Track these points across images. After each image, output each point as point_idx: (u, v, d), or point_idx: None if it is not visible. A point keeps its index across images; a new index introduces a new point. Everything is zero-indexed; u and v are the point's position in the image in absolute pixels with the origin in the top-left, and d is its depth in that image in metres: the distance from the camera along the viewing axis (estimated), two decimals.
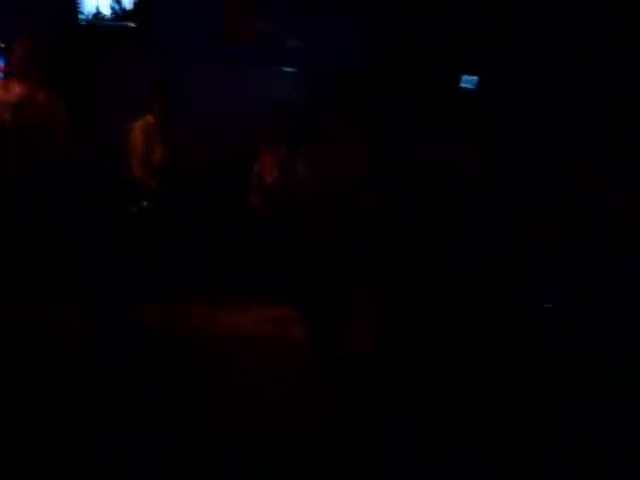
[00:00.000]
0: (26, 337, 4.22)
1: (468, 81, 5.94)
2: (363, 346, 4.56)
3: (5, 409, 3.28)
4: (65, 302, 4.94)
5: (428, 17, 6.03)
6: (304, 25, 6.85)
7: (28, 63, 4.77)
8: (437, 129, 5.62)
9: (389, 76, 6.26)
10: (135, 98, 5.78)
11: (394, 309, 4.79)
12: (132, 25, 6.59)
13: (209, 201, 5.91)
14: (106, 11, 6.62)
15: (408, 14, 6.18)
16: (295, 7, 6.67)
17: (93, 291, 5.16)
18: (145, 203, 5.60)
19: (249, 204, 5.90)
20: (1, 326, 4.14)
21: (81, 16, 6.60)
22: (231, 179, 5.98)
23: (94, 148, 5.93)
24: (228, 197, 5.93)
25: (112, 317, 4.83)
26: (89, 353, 4.24)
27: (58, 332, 4.45)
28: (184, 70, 6.36)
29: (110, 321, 4.78)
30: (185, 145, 5.68)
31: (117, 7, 6.61)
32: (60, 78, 5.93)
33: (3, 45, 6.33)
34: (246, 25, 6.86)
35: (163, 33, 6.62)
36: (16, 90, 4.75)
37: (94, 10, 6.59)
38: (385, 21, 6.31)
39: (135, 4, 6.59)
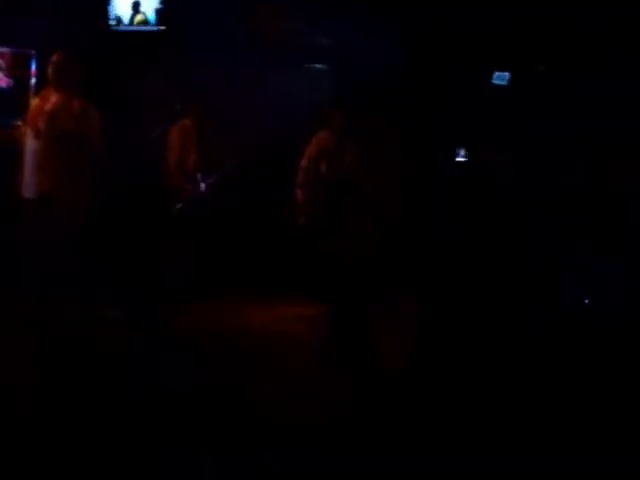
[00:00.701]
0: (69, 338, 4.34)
1: (500, 77, 5.93)
2: (394, 355, 4.55)
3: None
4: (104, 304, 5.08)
5: (460, 13, 6.04)
6: (338, 24, 6.83)
7: (63, 73, 4.81)
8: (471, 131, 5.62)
9: (422, 76, 6.29)
10: (170, 102, 5.86)
11: (426, 316, 4.75)
12: (163, 29, 6.69)
13: (245, 201, 5.95)
14: (136, 16, 6.74)
15: (440, 11, 6.17)
16: (328, 5, 6.71)
17: (132, 292, 5.29)
18: (179, 205, 5.68)
19: (294, 200, 5.62)
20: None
21: (111, 22, 6.72)
22: (268, 178, 6.02)
23: (130, 154, 6.03)
24: (265, 197, 5.96)
25: (149, 316, 4.93)
26: (128, 352, 4.36)
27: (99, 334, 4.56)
28: (217, 72, 6.38)
29: (147, 320, 4.87)
30: (222, 147, 5.76)
31: (147, 11, 6.73)
32: (93, 86, 6.11)
33: (34, 52, 6.53)
34: (278, 24, 6.91)
35: (194, 36, 6.70)
36: (52, 99, 4.79)
37: (124, 15, 6.72)
38: (418, 20, 6.31)
39: (165, 7, 6.69)
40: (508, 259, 4.40)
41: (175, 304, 5.19)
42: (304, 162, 5.53)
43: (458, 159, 5.99)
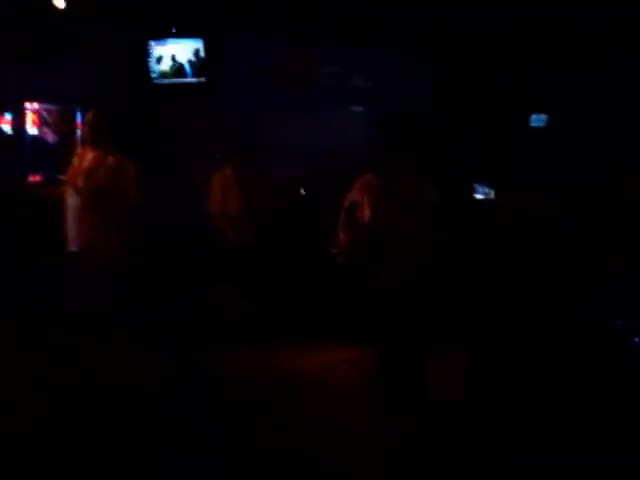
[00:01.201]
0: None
1: (537, 120, 5.98)
2: (444, 392, 4.56)
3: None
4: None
5: (496, 57, 6.11)
6: (371, 65, 6.97)
7: (96, 132, 4.93)
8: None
9: (457, 116, 6.37)
10: (211, 151, 6.01)
11: (476, 354, 4.75)
12: (202, 80, 6.90)
13: (288, 244, 6.00)
14: (175, 69, 6.96)
15: (476, 54, 6.25)
16: (360, 47, 6.83)
17: (172, 331, 5.37)
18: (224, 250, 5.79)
19: (335, 243, 5.90)
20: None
21: (153, 75, 6.94)
22: (310, 220, 6.09)
23: (174, 202, 6.17)
24: (308, 239, 5.99)
25: (188, 357, 5.00)
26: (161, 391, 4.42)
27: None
28: (255, 119, 6.54)
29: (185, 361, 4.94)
30: (263, 192, 5.81)
31: (185, 64, 6.94)
32: (135, 139, 6.30)
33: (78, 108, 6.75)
34: (311, 67, 7.09)
35: (232, 84, 6.88)
36: (88, 157, 4.93)
37: (164, 69, 6.94)
38: (454, 60, 6.39)
39: (202, 59, 6.90)
40: (557, 306, 4.39)
41: (220, 348, 5.25)
42: (347, 204, 5.61)
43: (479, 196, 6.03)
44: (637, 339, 4.08)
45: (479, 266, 4.95)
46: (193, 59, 6.94)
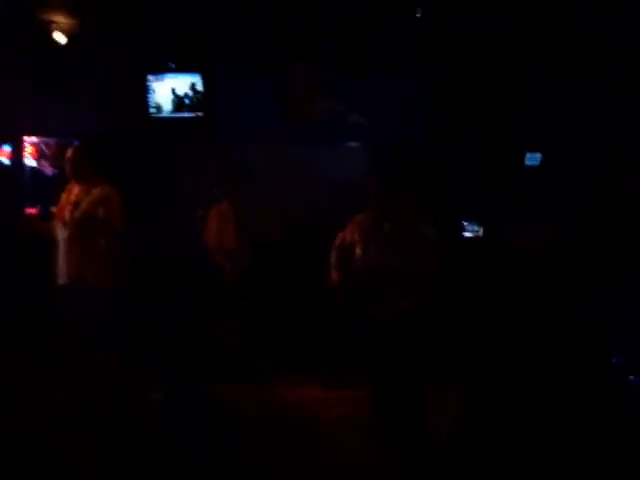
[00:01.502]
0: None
1: (532, 158, 6.04)
2: (439, 427, 4.55)
3: None
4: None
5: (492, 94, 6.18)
6: (367, 100, 7.02)
7: (79, 167, 5.05)
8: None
9: (452, 152, 6.41)
10: (208, 185, 6.02)
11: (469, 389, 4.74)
12: (199, 114, 6.95)
13: (284, 280, 6.00)
14: (173, 103, 7.00)
15: (470, 91, 6.31)
16: (357, 82, 6.91)
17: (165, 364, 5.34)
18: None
19: (328, 281, 5.63)
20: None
21: (151, 110, 6.99)
22: (306, 257, 6.08)
23: (170, 236, 6.19)
24: (303, 275, 6.00)
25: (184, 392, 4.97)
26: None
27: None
28: (253, 153, 6.57)
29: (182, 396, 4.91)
30: (260, 227, 5.80)
31: (183, 98, 7.00)
32: (131, 173, 6.32)
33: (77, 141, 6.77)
34: (311, 102, 7.11)
35: (230, 118, 6.94)
36: (74, 191, 5.05)
37: (163, 103, 6.99)
38: (448, 97, 6.45)
39: (200, 93, 6.95)
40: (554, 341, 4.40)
41: (218, 383, 5.22)
42: (339, 243, 5.62)
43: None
44: (632, 377, 4.08)
45: (473, 302, 4.95)
46: (190, 93, 6.99)
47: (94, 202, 4.98)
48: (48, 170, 6.80)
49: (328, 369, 5.54)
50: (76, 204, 4.98)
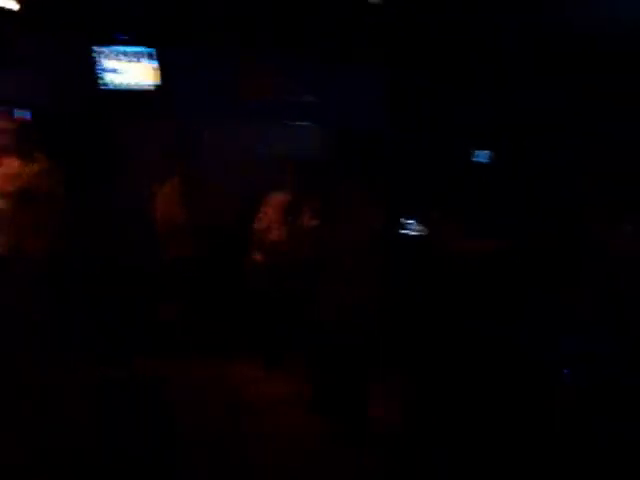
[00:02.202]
0: None
1: (481, 155, 6.14)
2: (383, 423, 4.67)
3: None
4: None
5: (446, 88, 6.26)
6: (319, 80, 7.04)
7: (21, 139, 5.07)
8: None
9: (401, 141, 6.49)
10: (156, 161, 5.96)
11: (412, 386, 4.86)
12: (149, 88, 6.83)
13: (228, 258, 5.98)
14: (123, 76, 6.87)
15: (427, 81, 6.38)
16: (311, 62, 6.94)
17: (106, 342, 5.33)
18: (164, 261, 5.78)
19: (251, 262, 5.76)
20: None
21: (100, 82, 6.83)
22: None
23: (113, 214, 6.10)
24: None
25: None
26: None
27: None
28: (203, 130, 6.48)
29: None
30: (207, 205, 5.82)
31: (133, 71, 6.87)
32: (81, 145, 6.20)
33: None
34: (262, 81, 7.10)
35: (180, 94, 6.85)
36: (13, 163, 5.03)
37: (112, 75, 6.85)
38: (402, 86, 6.49)
39: (151, 67, 6.84)
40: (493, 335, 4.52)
41: (157, 360, 5.23)
42: (257, 225, 5.65)
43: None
44: (567, 370, 4.22)
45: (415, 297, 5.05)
46: (142, 66, 6.86)
47: (36, 175, 5.01)
48: None
49: (269, 349, 5.62)
50: (16, 176, 4.98)
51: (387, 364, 4.88)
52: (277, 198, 5.66)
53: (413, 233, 5.82)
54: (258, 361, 5.58)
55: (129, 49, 6.82)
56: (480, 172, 6.16)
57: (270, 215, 5.64)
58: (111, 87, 6.86)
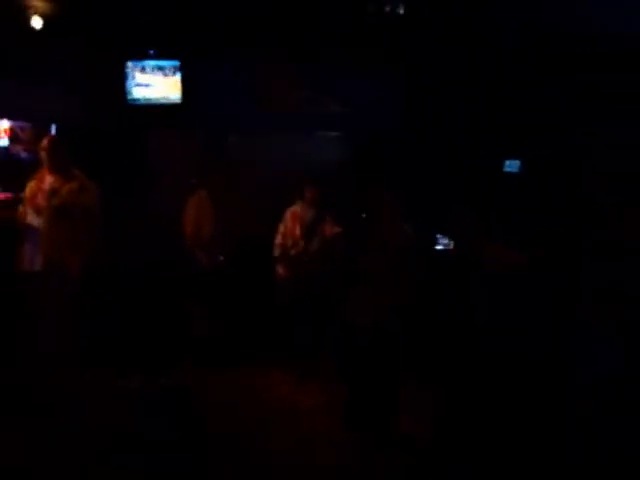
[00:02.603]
0: None
1: (511, 165, 6.05)
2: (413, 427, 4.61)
3: None
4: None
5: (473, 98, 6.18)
6: (345, 91, 7.00)
7: (54, 157, 5.10)
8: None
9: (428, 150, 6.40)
10: (186, 173, 5.98)
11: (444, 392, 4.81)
12: (178, 102, 6.87)
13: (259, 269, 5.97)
14: (153, 90, 6.92)
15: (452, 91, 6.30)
16: (337, 73, 6.90)
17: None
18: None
19: (275, 275, 5.80)
20: None
21: (129, 97, 6.90)
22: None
23: (147, 224, 6.13)
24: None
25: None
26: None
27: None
28: (232, 141, 6.52)
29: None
30: (237, 216, 5.85)
31: (163, 85, 6.91)
32: (108, 160, 6.25)
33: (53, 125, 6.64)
34: (288, 92, 7.10)
35: (208, 106, 6.87)
36: (49, 179, 5.08)
37: (142, 89, 6.90)
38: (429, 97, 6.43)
39: (180, 81, 6.88)
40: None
41: (187, 370, 5.25)
42: (280, 238, 5.66)
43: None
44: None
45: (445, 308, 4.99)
46: (170, 81, 6.90)
47: (73, 192, 5.04)
48: (22, 154, 6.68)
49: (303, 360, 5.59)
50: (53, 192, 5.02)
51: (417, 372, 4.84)
52: (295, 211, 5.69)
53: (443, 247, 5.76)
54: (290, 372, 5.56)
55: (159, 63, 6.87)
56: (512, 179, 6.06)
57: (290, 228, 5.68)
58: (142, 101, 6.92)
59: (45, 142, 5.14)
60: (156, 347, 5.46)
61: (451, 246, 5.74)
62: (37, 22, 5.96)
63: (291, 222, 5.70)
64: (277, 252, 5.75)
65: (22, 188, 5.35)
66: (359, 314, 4.57)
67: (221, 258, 5.85)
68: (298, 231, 5.67)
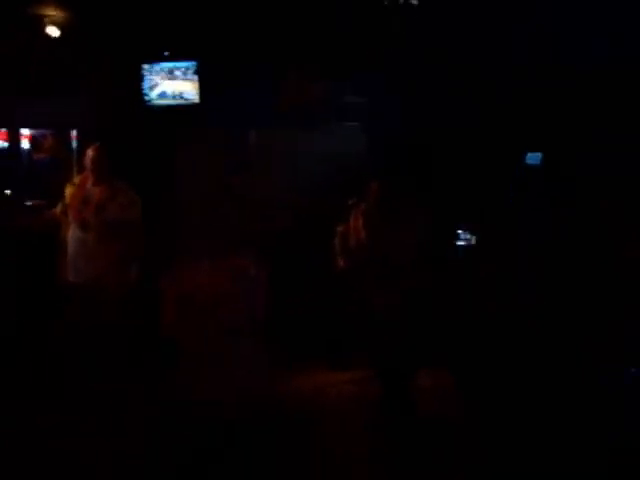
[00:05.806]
0: None
1: (533, 157, 6.01)
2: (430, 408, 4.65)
3: None
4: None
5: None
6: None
7: (101, 165, 4.88)
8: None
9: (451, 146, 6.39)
10: (211, 173, 5.98)
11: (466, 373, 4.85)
12: (196, 101, 6.87)
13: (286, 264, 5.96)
14: (169, 92, 6.93)
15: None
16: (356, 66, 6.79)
17: None
18: None
19: (335, 267, 5.59)
20: None
21: (147, 97, 6.91)
22: (311, 242, 5.97)
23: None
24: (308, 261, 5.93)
25: None
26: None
27: None
28: (253, 139, 6.52)
29: None
30: (264, 213, 5.80)
31: (181, 86, 6.91)
32: (131, 161, 6.25)
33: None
34: (307, 87, 7.06)
35: (228, 105, 6.85)
36: (95, 190, 4.88)
37: (158, 92, 6.92)
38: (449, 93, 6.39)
39: (198, 80, 6.88)
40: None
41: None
42: (344, 229, 5.61)
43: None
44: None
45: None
46: (188, 81, 6.90)
47: (124, 206, 4.89)
48: (45, 161, 6.77)
49: (335, 351, 5.63)
50: (100, 207, 4.84)
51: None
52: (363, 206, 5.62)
53: (465, 242, 5.75)
54: (324, 364, 5.61)
55: (176, 64, 6.87)
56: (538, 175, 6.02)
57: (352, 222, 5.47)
58: (160, 103, 6.93)
59: (91, 151, 4.90)
60: None
61: (473, 241, 5.73)
62: (53, 31, 5.99)
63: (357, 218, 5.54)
64: (339, 243, 5.49)
65: (47, 195, 5.35)
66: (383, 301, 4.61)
67: None
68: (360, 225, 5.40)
